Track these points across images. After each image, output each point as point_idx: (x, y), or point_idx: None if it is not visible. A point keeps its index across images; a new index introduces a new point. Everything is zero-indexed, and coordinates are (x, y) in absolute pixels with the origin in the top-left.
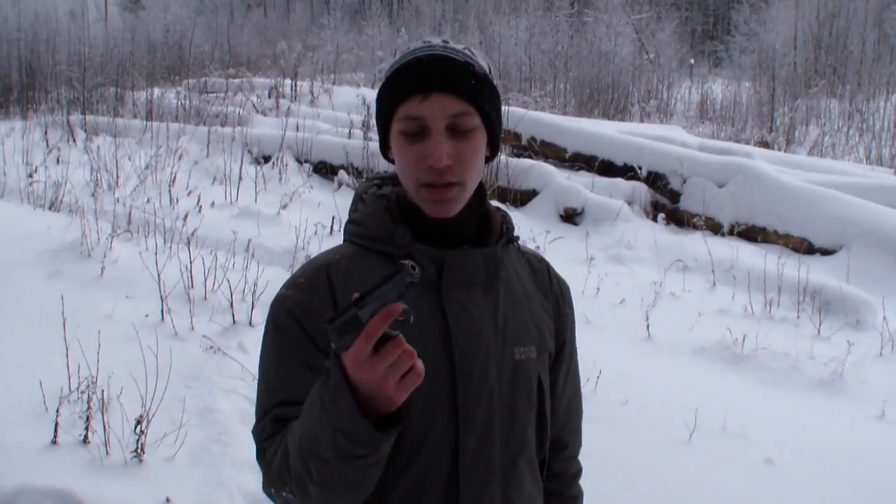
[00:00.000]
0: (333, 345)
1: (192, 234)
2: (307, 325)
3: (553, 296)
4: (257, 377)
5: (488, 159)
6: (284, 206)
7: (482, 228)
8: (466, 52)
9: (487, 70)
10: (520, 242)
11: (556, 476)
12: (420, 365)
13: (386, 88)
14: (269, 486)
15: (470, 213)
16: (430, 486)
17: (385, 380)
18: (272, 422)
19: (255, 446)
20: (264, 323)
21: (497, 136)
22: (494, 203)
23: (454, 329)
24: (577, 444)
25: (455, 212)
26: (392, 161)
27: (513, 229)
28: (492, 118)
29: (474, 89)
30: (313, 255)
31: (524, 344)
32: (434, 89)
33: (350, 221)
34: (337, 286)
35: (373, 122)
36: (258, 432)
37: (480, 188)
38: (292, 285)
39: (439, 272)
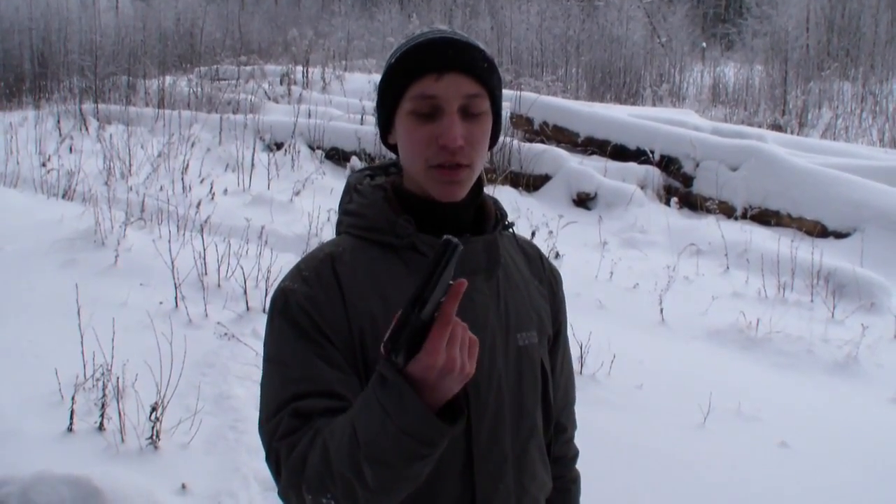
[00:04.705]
0: (398, 358)
1: (206, 221)
2: (317, 319)
3: (547, 280)
4: (263, 374)
5: (488, 147)
6: (297, 193)
7: (478, 216)
8: (472, 39)
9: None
10: (516, 229)
11: (556, 459)
12: (473, 336)
13: (397, 68)
14: (294, 490)
15: (469, 200)
16: (447, 475)
17: (465, 362)
18: (290, 416)
19: (264, 447)
20: (268, 317)
21: (499, 124)
22: (507, 188)
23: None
24: (574, 427)
25: (462, 195)
26: (391, 146)
27: (506, 216)
28: (499, 104)
29: (487, 72)
30: (318, 245)
31: (526, 329)
32: (449, 69)
33: (346, 213)
34: (343, 278)
35: None
36: (270, 430)
37: (479, 176)
38: (297, 278)
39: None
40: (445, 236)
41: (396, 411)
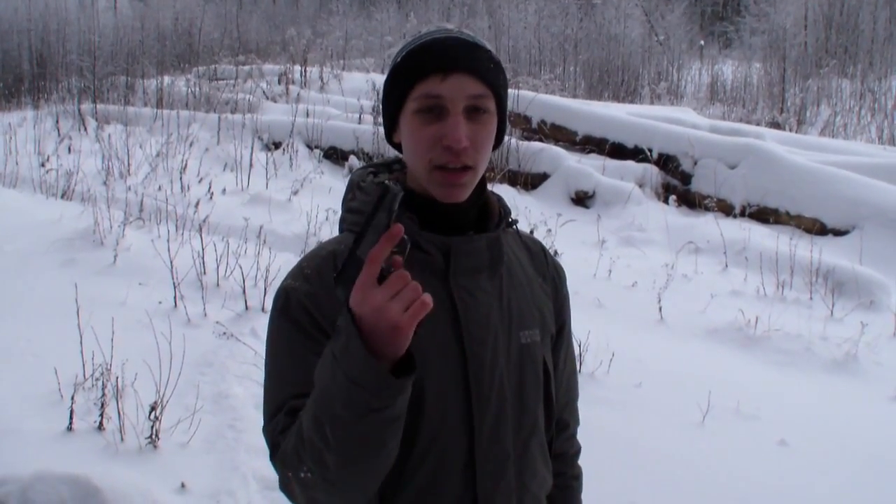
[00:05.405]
0: (339, 290)
1: (204, 220)
2: (318, 317)
3: (550, 277)
4: (265, 374)
5: (493, 148)
6: (295, 192)
7: (482, 214)
8: (478, 38)
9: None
10: (517, 226)
11: (558, 456)
12: (428, 298)
13: (403, 66)
14: (285, 473)
15: (473, 199)
16: (448, 473)
17: (388, 307)
18: (287, 414)
19: (268, 447)
20: (270, 315)
21: (504, 125)
22: (505, 187)
23: (463, 316)
24: (576, 423)
25: (465, 197)
26: (396, 145)
27: (510, 213)
28: (504, 104)
29: (493, 73)
30: (318, 244)
31: (529, 327)
32: (455, 69)
33: (349, 210)
34: None
35: None
36: (271, 430)
37: (482, 175)
38: (298, 276)
39: (446, 259)
40: (386, 181)
41: (342, 356)
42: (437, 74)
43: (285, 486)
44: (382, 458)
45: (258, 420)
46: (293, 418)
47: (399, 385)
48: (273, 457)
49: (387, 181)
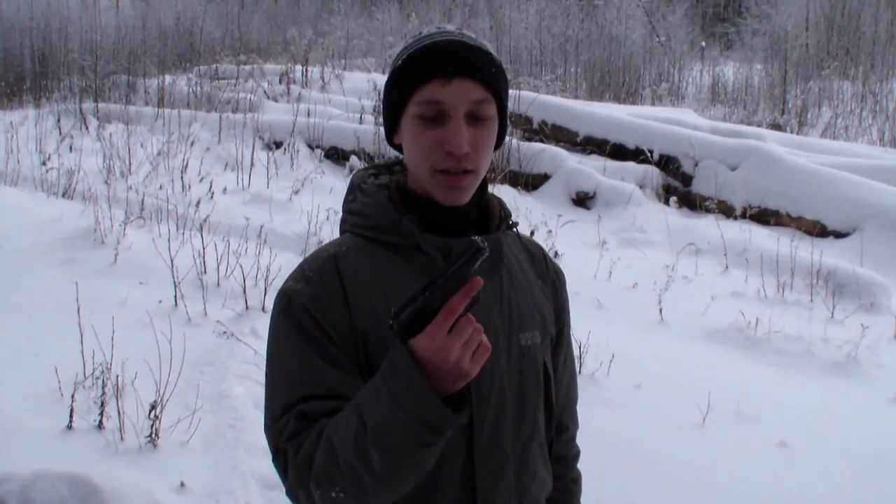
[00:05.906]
0: (398, 335)
1: (205, 220)
2: (321, 320)
3: (551, 280)
4: (267, 375)
5: (493, 149)
6: (296, 192)
7: (482, 216)
8: (479, 41)
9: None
10: (518, 229)
11: (557, 459)
12: (487, 342)
13: (403, 71)
14: (302, 489)
15: (474, 201)
16: (448, 474)
17: (462, 358)
18: (296, 419)
19: (270, 449)
20: (271, 318)
21: (505, 127)
22: (506, 187)
23: None
24: (576, 426)
25: (466, 199)
26: (397, 147)
27: (510, 215)
28: (505, 108)
29: (494, 77)
30: (319, 245)
31: (529, 330)
32: (457, 74)
33: (350, 212)
34: (346, 278)
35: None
36: (277, 432)
37: (483, 177)
38: (300, 278)
39: (446, 260)
40: (474, 237)
41: (406, 398)
42: (438, 79)
43: (294, 494)
44: (418, 480)
45: (258, 420)
46: (302, 423)
47: (460, 420)
48: (275, 459)
49: (475, 237)
